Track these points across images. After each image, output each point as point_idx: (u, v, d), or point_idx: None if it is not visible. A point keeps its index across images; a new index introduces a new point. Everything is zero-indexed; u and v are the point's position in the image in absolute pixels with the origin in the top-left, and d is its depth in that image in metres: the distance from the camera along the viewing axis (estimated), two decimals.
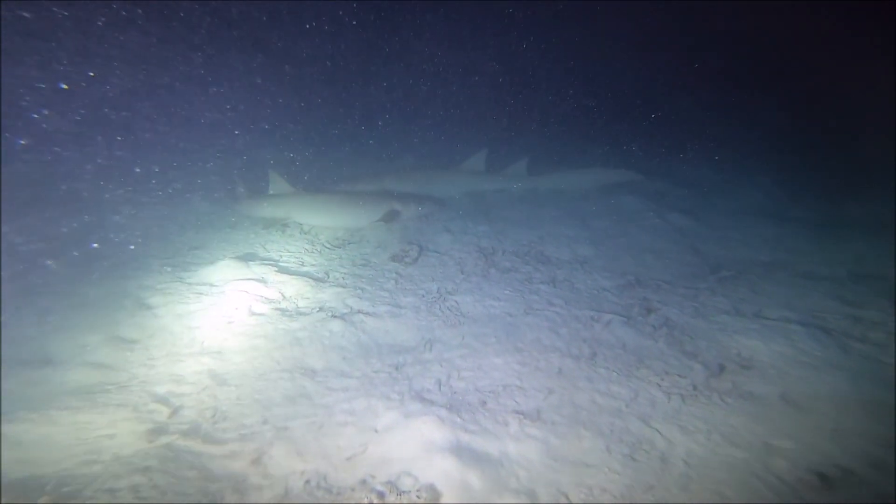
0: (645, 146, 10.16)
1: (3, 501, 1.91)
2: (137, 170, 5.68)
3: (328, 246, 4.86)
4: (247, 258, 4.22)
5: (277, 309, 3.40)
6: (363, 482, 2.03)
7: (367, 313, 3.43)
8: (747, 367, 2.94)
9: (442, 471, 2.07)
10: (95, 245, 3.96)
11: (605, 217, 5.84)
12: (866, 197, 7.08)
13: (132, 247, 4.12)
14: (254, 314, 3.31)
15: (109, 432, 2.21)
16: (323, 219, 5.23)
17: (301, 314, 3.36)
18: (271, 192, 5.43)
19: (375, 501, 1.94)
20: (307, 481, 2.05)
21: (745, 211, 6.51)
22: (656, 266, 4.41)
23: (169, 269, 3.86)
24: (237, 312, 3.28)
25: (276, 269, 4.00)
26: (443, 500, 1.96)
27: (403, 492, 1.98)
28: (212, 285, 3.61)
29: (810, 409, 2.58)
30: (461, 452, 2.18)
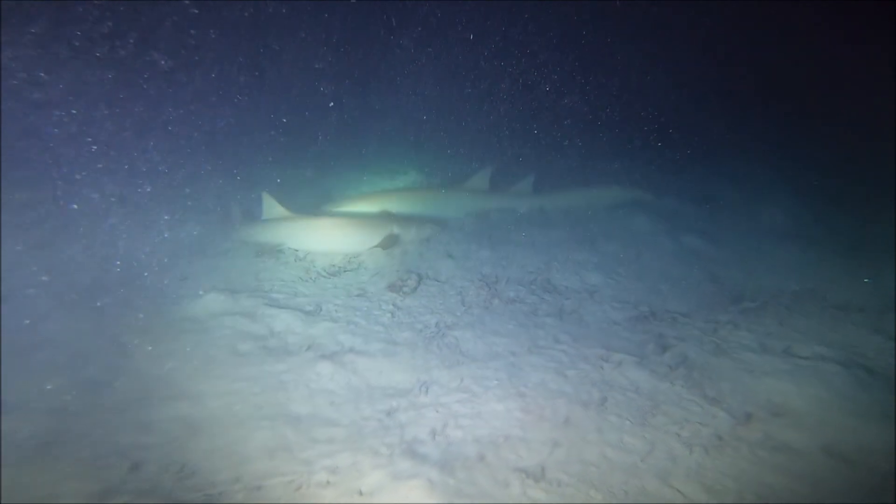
0: (656, 160, 10.01)
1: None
2: (124, 191, 5.64)
3: (323, 274, 4.74)
4: (236, 290, 4.11)
5: (264, 347, 3.26)
6: None
7: (359, 352, 3.27)
8: (779, 414, 2.70)
9: None
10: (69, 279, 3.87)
11: (615, 239, 5.66)
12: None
13: (111, 281, 4.01)
14: (237, 354, 3.17)
15: (50, 492, 2.05)
16: (319, 244, 5.14)
17: (288, 353, 3.21)
18: (265, 216, 5.37)
19: None
20: None
21: (766, 232, 6.26)
22: (671, 296, 4.20)
23: (151, 303, 3.75)
24: (219, 352, 3.15)
25: (265, 301, 3.89)
26: None
27: None
28: (195, 321, 3.49)
29: (864, 466, 2.32)
30: None
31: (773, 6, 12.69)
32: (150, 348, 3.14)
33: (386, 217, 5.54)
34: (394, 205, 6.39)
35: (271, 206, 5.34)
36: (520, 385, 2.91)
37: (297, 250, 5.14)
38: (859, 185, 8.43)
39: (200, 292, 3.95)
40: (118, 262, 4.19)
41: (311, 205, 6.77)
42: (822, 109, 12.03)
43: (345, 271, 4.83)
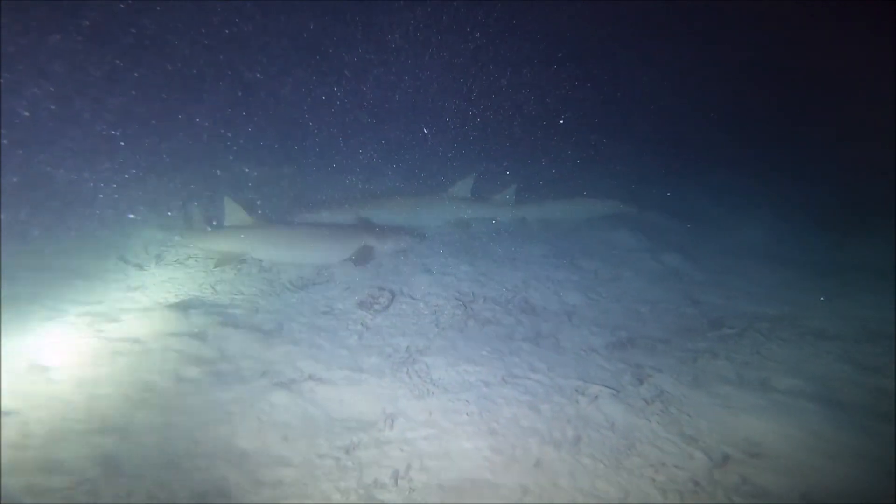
0: (638, 171, 10.10)
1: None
2: (87, 186, 5.21)
3: (289, 287, 4.51)
4: (189, 305, 3.84)
5: (212, 373, 3.01)
6: None
7: (319, 379, 3.07)
8: (756, 455, 2.64)
9: None
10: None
11: (596, 256, 5.61)
12: (873, 232, 6.97)
13: (45, 289, 3.65)
14: (180, 380, 2.92)
15: None
16: (286, 255, 4.89)
17: (240, 380, 2.98)
18: (227, 222, 5.08)
19: None
20: None
21: (746, 251, 6.35)
22: (650, 320, 4.15)
23: (90, 318, 3.45)
24: (159, 378, 2.89)
25: (220, 319, 3.63)
26: None
27: None
28: (136, 341, 3.22)
29: None
30: None
31: (761, 16, 12.94)
32: (76, 372, 2.84)
33: (360, 228, 5.32)
34: (370, 212, 6.19)
35: (234, 212, 5.05)
36: (491, 420, 2.76)
37: (261, 261, 4.90)
38: (842, 201, 8.65)
39: (149, 306, 3.66)
40: (58, 267, 3.81)
41: (283, 206, 6.50)
42: (807, 121, 12.36)
43: (313, 284, 4.61)
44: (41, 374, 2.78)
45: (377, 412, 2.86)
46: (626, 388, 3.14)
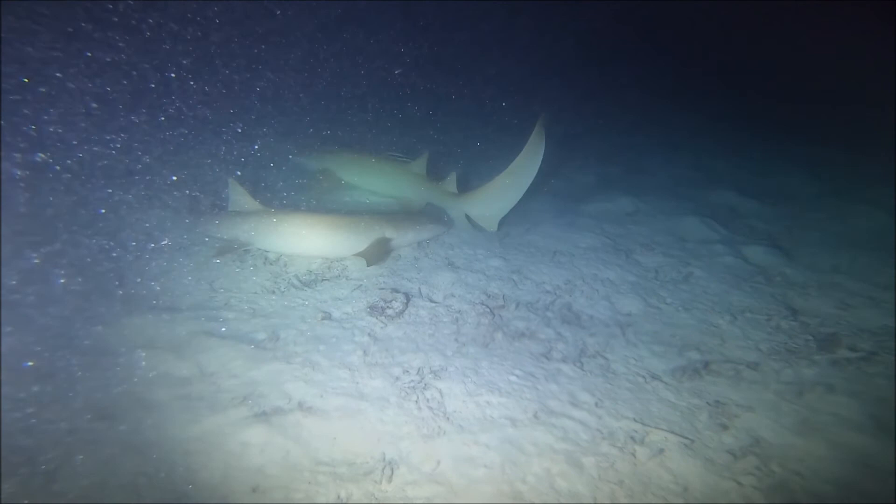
0: (712, 137, 8.80)
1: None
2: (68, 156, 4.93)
3: (296, 283, 4.12)
4: (177, 306, 3.51)
5: (182, 397, 2.64)
6: None
7: (309, 409, 2.61)
8: None
9: None
10: None
11: (658, 249, 4.75)
12: None
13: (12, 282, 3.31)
14: (141, 406, 2.56)
15: None
16: (291, 246, 4.49)
17: (214, 408, 2.59)
18: (231, 206, 4.75)
19: None
20: None
21: (861, 242, 5.13)
22: (732, 335, 3.33)
23: (55, 321, 3.14)
24: (116, 401, 2.54)
25: (209, 324, 3.27)
26: None
27: None
28: (103, 353, 2.90)
29: None
30: None
31: None
32: (10, 392, 2.49)
33: (377, 216, 4.78)
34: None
35: (239, 196, 4.70)
36: (516, 481, 2.18)
37: (267, 251, 4.54)
38: None
39: (129, 308, 3.34)
40: (34, 257, 3.46)
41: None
42: None
43: (322, 280, 4.19)
44: None
45: (375, 456, 2.36)
46: (703, 434, 2.43)
